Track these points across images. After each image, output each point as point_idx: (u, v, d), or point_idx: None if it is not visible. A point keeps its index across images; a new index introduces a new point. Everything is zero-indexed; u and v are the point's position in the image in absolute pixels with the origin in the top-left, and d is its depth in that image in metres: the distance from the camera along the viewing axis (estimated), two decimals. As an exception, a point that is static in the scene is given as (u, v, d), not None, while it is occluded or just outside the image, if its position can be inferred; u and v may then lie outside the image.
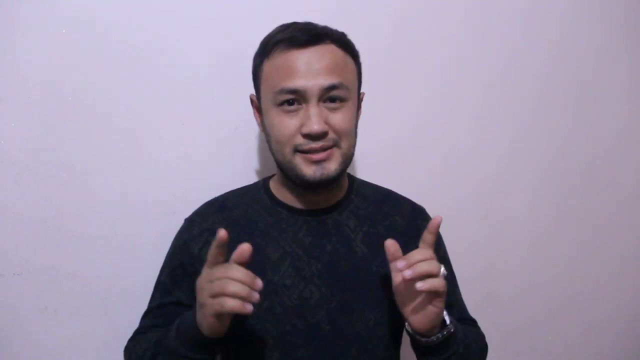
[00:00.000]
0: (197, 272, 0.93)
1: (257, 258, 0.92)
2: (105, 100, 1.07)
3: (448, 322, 0.85)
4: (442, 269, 0.80)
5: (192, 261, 0.95)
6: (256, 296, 0.74)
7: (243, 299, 0.72)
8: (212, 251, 0.77)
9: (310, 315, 0.90)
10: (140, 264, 1.10)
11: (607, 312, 1.70)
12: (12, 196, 1.03)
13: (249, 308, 0.72)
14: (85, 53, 1.04)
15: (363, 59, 0.97)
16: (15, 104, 1.01)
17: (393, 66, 1.30)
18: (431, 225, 0.85)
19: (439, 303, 0.81)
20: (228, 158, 1.18)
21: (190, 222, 1.00)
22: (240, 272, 0.74)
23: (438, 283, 0.78)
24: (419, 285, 0.77)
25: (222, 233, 0.75)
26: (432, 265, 0.79)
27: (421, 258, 0.79)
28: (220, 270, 0.75)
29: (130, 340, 0.98)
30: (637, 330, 1.76)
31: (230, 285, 0.72)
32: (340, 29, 0.94)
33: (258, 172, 1.21)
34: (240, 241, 0.93)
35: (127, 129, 1.09)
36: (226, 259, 0.88)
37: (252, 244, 0.93)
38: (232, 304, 0.71)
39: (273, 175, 1.05)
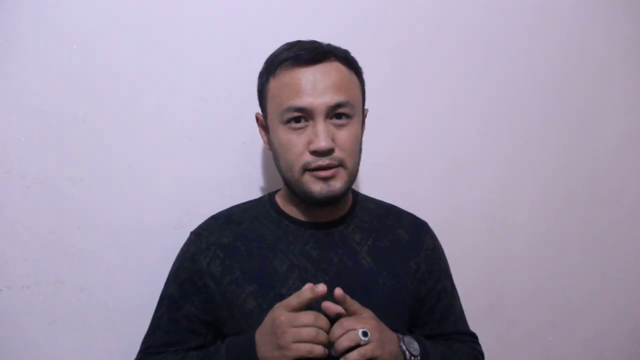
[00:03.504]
0: (205, 286, 0.95)
1: (265, 271, 0.94)
2: (114, 115, 1.08)
3: (407, 357, 0.87)
4: (360, 333, 0.81)
5: (200, 274, 0.96)
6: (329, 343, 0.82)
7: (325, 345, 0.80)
8: (303, 301, 0.81)
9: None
10: (147, 277, 1.10)
11: (610, 322, 1.70)
12: (22, 209, 1.04)
13: (327, 352, 0.81)
14: (94, 68, 1.06)
15: (366, 74, 0.99)
16: (25, 118, 1.02)
17: (396, 79, 1.32)
18: (337, 294, 0.85)
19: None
20: (236, 173, 1.18)
21: (197, 235, 1.01)
22: (326, 323, 0.82)
23: (356, 355, 0.80)
24: None
25: (322, 289, 0.81)
26: (350, 339, 0.81)
27: (340, 333, 0.82)
28: (310, 318, 0.80)
29: None
30: None
31: (321, 335, 0.80)
32: (344, 46, 0.96)
33: (265, 187, 1.22)
34: (249, 254, 0.95)
35: (135, 143, 1.10)
36: (229, 266, 0.90)
37: (260, 257, 0.95)
38: (319, 351, 0.79)
39: (278, 190, 1.07)
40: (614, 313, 1.71)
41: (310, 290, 0.81)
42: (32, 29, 1.02)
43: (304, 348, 0.78)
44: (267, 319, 0.83)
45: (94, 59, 1.06)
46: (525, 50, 1.47)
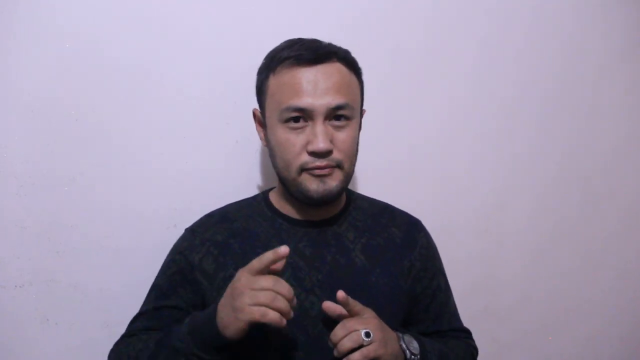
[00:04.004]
0: (195, 280, 0.95)
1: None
2: (107, 114, 1.08)
3: (408, 356, 0.87)
4: (363, 334, 0.81)
5: (191, 269, 0.96)
6: (292, 314, 0.78)
7: (283, 314, 0.76)
8: (264, 262, 0.78)
9: (312, 327, 0.91)
10: (140, 276, 1.09)
11: (605, 324, 1.70)
12: (14, 208, 1.04)
13: (284, 322, 0.76)
14: (88, 67, 1.06)
15: (365, 75, 0.99)
16: (18, 117, 1.02)
17: (394, 81, 1.32)
18: (340, 296, 0.85)
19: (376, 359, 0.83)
20: (229, 171, 1.18)
21: (191, 232, 1.01)
22: (287, 289, 0.77)
23: (359, 356, 0.80)
24: None
25: (284, 249, 0.77)
26: (352, 341, 0.81)
27: (343, 334, 0.81)
28: (269, 282, 0.76)
29: (117, 344, 0.97)
30: (635, 342, 1.76)
31: (278, 300, 0.75)
32: (342, 45, 0.95)
33: (258, 186, 1.22)
34: (242, 252, 0.95)
35: (128, 142, 1.10)
36: (222, 263, 0.90)
37: (254, 255, 0.93)
38: (273, 316, 0.74)
39: (272, 188, 1.07)
40: (611, 314, 1.71)
41: (272, 252, 0.78)
42: (25, 28, 1.02)
43: (257, 311, 0.74)
44: (230, 283, 0.81)
45: (87, 59, 1.06)
46: (524, 52, 1.47)
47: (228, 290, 0.80)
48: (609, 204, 1.66)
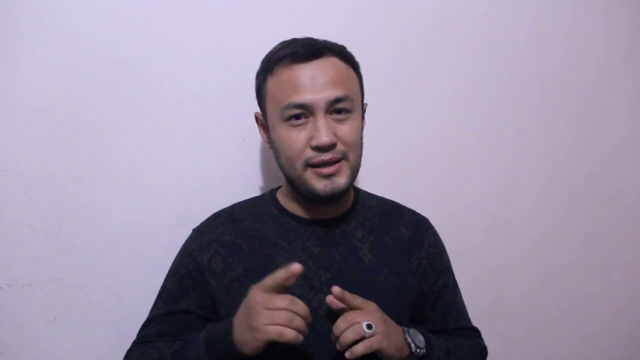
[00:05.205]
0: (205, 282, 0.95)
1: (267, 268, 0.93)
2: (113, 113, 1.08)
3: (413, 349, 0.87)
4: (365, 326, 0.81)
5: (200, 271, 0.96)
6: (307, 331, 0.79)
7: (299, 332, 0.77)
8: (278, 280, 0.78)
9: (320, 325, 0.91)
10: (147, 275, 1.10)
11: (611, 321, 1.70)
12: (22, 207, 1.04)
13: (300, 339, 0.77)
14: (94, 66, 1.06)
15: (368, 70, 0.99)
16: (25, 116, 1.02)
17: (397, 76, 1.32)
18: (335, 292, 0.85)
19: (379, 352, 0.83)
20: (236, 170, 1.18)
21: (198, 232, 1.01)
22: (303, 309, 0.78)
23: (362, 348, 0.80)
24: (347, 355, 0.81)
25: (297, 267, 0.78)
26: (355, 333, 0.81)
27: (344, 327, 0.82)
28: (285, 302, 0.77)
29: (132, 351, 0.97)
30: (641, 338, 1.76)
31: (295, 319, 0.77)
32: (345, 41, 0.95)
33: (265, 184, 1.22)
34: (251, 252, 0.95)
35: (135, 141, 1.10)
36: (230, 263, 0.90)
37: (262, 255, 0.94)
38: (290, 335, 0.76)
39: (279, 187, 1.07)
40: (616, 311, 1.71)
41: (285, 270, 0.78)
42: (32, 27, 1.01)
43: (274, 331, 0.75)
44: (244, 300, 0.81)
45: (93, 57, 1.06)
46: (526, 48, 1.47)
47: (243, 307, 0.80)
48: (614, 200, 1.65)
